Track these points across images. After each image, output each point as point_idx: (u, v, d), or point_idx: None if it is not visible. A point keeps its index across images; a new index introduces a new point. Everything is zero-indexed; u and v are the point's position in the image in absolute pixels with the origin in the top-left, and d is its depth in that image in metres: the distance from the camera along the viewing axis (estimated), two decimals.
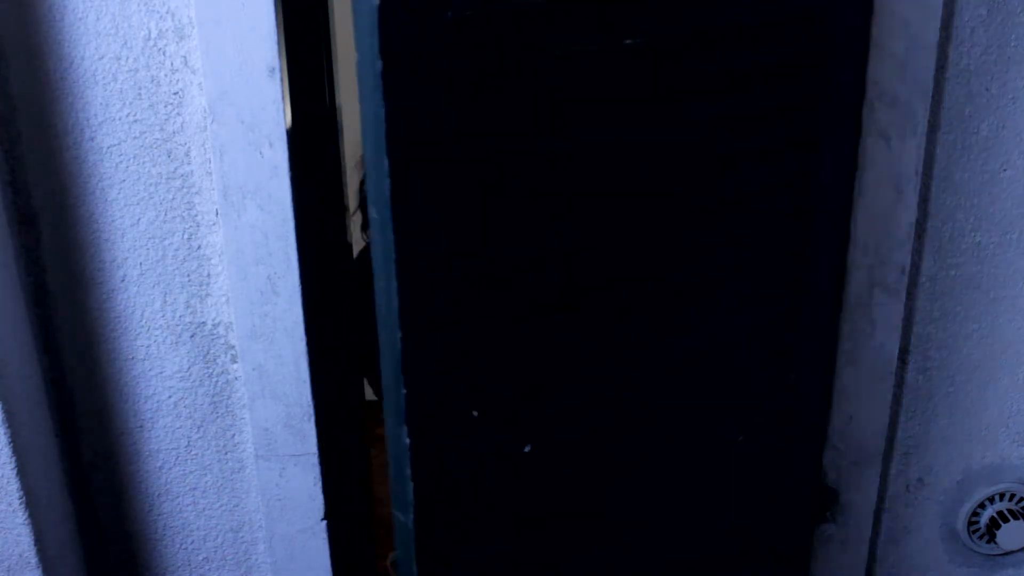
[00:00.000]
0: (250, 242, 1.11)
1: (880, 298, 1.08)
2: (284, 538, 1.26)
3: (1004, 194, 1.07)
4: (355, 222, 1.47)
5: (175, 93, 1.07)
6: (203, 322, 1.17)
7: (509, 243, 0.84)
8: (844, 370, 1.11)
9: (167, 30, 1.05)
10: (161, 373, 1.19)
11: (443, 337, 0.84)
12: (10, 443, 1.08)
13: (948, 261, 1.09)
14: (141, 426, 1.21)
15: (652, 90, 0.82)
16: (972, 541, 1.21)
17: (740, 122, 0.87)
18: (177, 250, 1.13)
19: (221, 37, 1.03)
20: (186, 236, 1.13)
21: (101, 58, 1.05)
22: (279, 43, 1.04)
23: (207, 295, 1.15)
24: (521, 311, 0.87)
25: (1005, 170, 1.07)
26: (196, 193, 1.11)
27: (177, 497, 1.26)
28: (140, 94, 1.07)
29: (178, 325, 1.17)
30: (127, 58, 1.05)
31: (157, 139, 1.09)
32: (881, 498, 1.20)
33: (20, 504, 1.11)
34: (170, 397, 1.20)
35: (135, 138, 1.08)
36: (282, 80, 1.06)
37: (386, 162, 0.75)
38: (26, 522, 1.12)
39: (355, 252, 1.49)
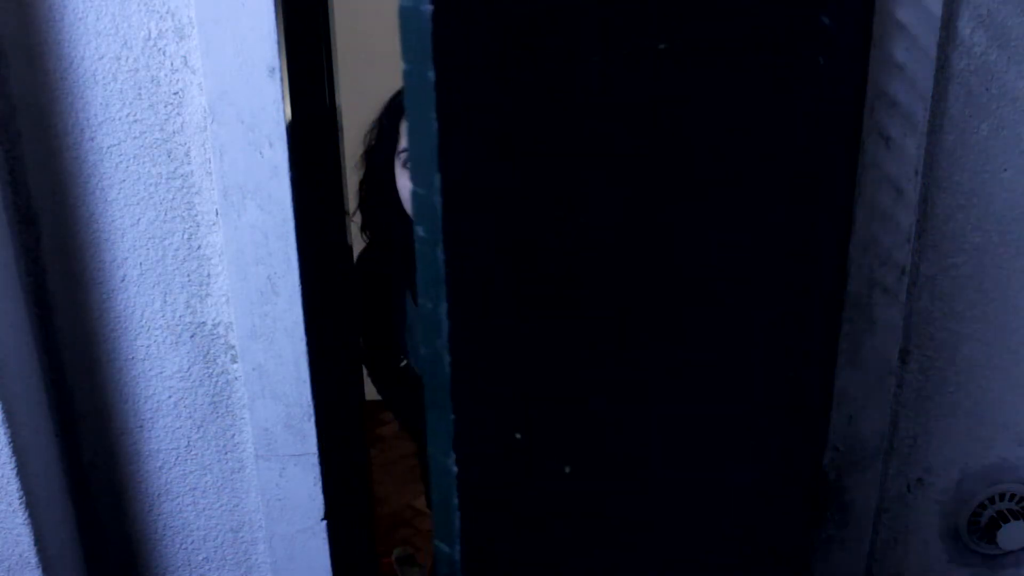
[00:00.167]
0: (250, 242, 1.11)
1: (880, 298, 1.08)
2: (284, 538, 1.26)
3: (1004, 194, 1.07)
4: (354, 222, 1.47)
5: (175, 93, 1.07)
6: (203, 322, 1.17)
7: (560, 261, 0.82)
8: (844, 370, 1.11)
9: (167, 30, 1.05)
10: (161, 373, 1.19)
11: (492, 360, 0.81)
12: (10, 443, 1.08)
13: (948, 261, 1.09)
14: (141, 426, 1.21)
15: (680, 90, 0.83)
16: (972, 541, 1.21)
17: (748, 122, 0.87)
18: (177, 250, 1.13)
19: (221, 37, 1.03)
20: (186, 236, 1.13)
21: (101, 58, 1.05)
22: (279, 43, 1.04)
23: (207, 295, 1.15)
24: (567, 330, 0.85)
25: (1005, 170, 1.07)
26: (196, 193, 1.11)
27: (177, 497, 1.26)
28: (140, 94, 1.07)
29: (178, 325, 1.17)
30: (127, 58, 1.05)
31: (157, 139, 1.09)
32: (881, 498, 1.20)
33: (20, 504, 1.11)
34: (170, 397, 1.20)
35: (135, 138, 1.08)
36: (282, 80, 1.06)
37: (438, 178, 0.71)
38: (26, 522, 1.12)
39: (355, 254, 1.49)
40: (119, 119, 1.08)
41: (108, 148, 1.09)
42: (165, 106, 1.08)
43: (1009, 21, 1.00)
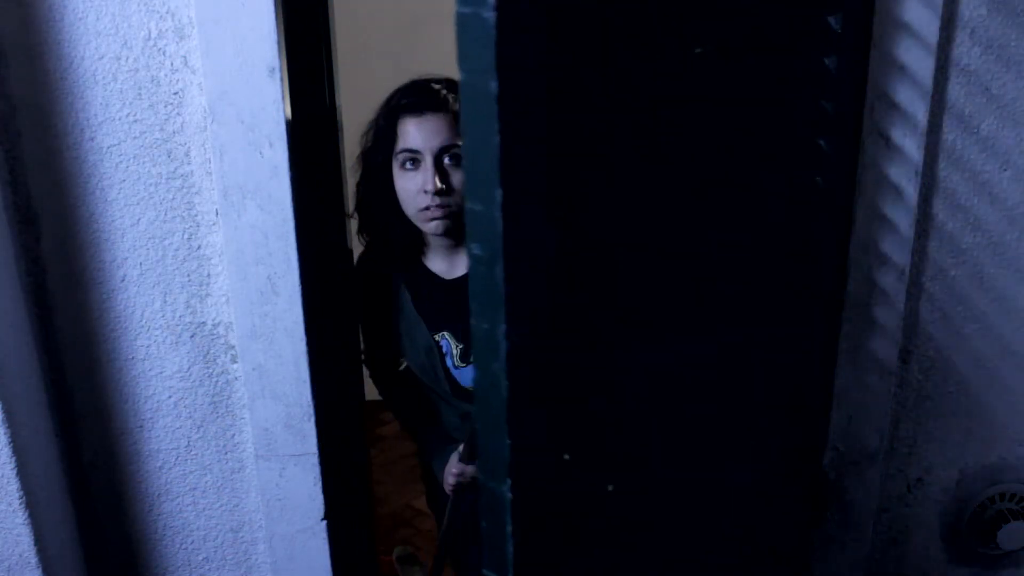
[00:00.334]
0: (250, 242, 1.11)
1: (880, 298, 1.08)
2: (284, 538, 1.26)
3: (1004, 194, 1.07)
4: (352, 223, 1.46)
5: (175, 93, 1.07)
6: (203, 322, 1.17)
7: (614, 275, 0.80)
8: (844, 370, 1.11)
9: (167, 30, 1.05)
10: (161, 373, 1.19)
11: (548, 382, 0.78)
12: (10, 443, 1.08)
13: (948, 261, 1.09)
14: (141, 426, 1.21)
15: (710, 91, 0.83)
16: (972, 541, 1.21)
17: (760, 122, 0.87)
18: (177, 250, 1.13)
19: (221, 37, 1.03)
20: (186, 236, 1.13)
21: (101, 58, 1.05)
22: (279, 43, 1.04)
23: (207, 295, 1.15)
24: (617, 347, 0.83)
25: (1005, 170, 1.07)
26: (196, 193, 1.11)
27: (177, 497, 1.26)
28: (140, 94, 1.07)
29: (178, 325, 1.17)
30: (127, 58, 1.05)
31: (157, 139, 1.09)
32: (881, 498, 1.20)
33: (20, 504, 1.11)
34: (170, 397, 1.20)
35: (135, 138, 1.08)
36: (282, 80, 1.06)
37: (499, 193, 0.68)
38: (26, 522, 1.12)
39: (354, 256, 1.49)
40: (119, 119, 1.08)
41: (108, 148, 1.09)
42: (165, 106, 1.08)
43: (1009, 21, 1.00)
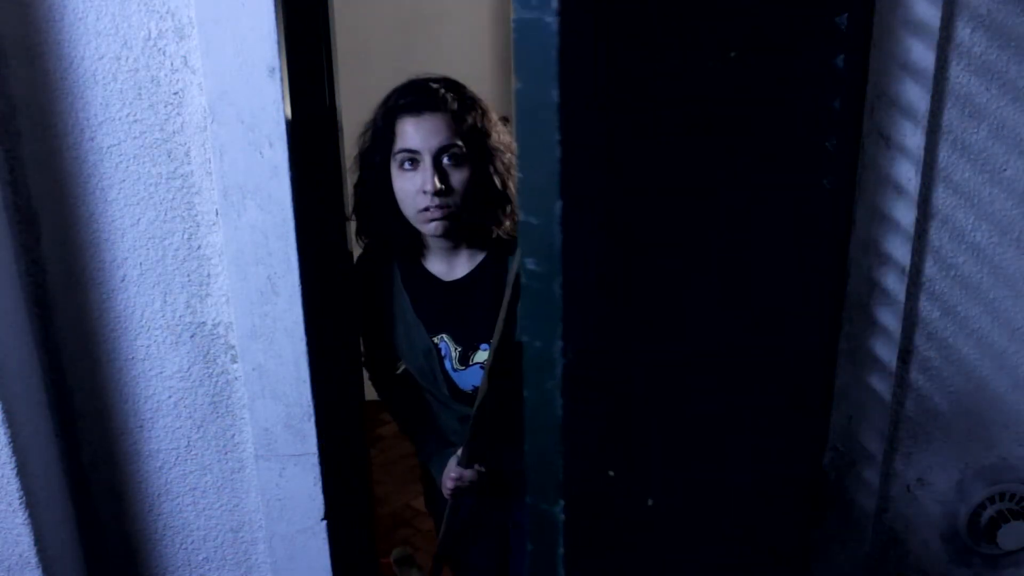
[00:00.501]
0: (250, 242, 1.11)
1: (880, 298, 1.08)
2: (284, 538, 1.26)
3: (1004, 194, 1.07)
4: (351, 224, 1.45)
5: (175, 93, 1.07)
6: (203, 322, 1.17)
7: (658, 287, 0.78)
8: (844, 370, 1.11)
9: (167, 30, 1.05)
10: (161, 373, 1.19)
11: (600, 399, 0.76)
12: (10, 443, 1.08)
13: (948, 261, 1.09)
14: (141, 426, 1.21)
15: (738, 93, 0.83)
16: (972, 541, 1.21)
17: (773, 122, 0.87)
18: (177, 250, 1.13)
19: (221, 37, 1.03)
20: (186, 236, 1.13)
21: (101, 58, 1.05)
22: (279, 43, 1.04)
23: (207, 295, 1.15)
24: (663, 360, 0.82)
25: (1005, 170, 1.07)
26: (196, 193, 1.11)
27: (177, 497, 1.26)
28: (140, 94, 1.07)
29: (178, 325, 1.17)
30: (127, 58, 1.05)
31: (157, 139, 1.09)
32: (881, 498, 1.20)
33: (20, 504, 1.11)
34: (170, 397, 1.20)
35: (135, 138, 1.08)
36: (282, 80, 1.06)
37: (558, 206, 0.65)
38: (26, 522, 1.12)
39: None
40: (119, 119, 1.08)
41: (108, 148, 1.09)
42: (165, 106, 1.08)
43: (1009, 21, 1.00)
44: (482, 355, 1.41)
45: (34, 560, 1.15)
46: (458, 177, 1.30)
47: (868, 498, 1.18)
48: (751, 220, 0.90)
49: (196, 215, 1.12)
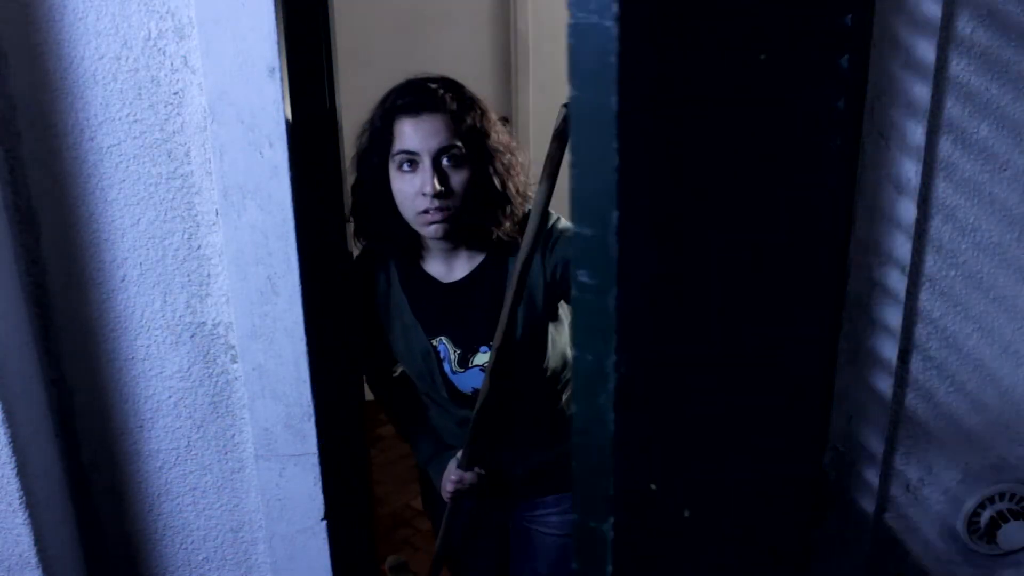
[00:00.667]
0: (250, 242, 1.11)
1: (880, 298, 1.08)
2: (284, 538, 1.26)
3: (1004, 194, 1.07)
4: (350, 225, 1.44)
5: (175, 93, 1.07)
6: (203, 322, 1.17)
7: (703, 295, 0.77)
8: (844, 370, 1.11)
9: (167, 30, 1.05)
10: (161, 373, 1.19)
11: (651, 416, 0.74)
12: (10, 443, 1.08)
13: (948, 261, 1.09)
14: (141, 426, 1.21)
15: (766, 93, 0.82)
16: (972, 541, 1.21)
17: (786, 121, 0.87)
18: (177, 250, 1.13)
19: (221, 37, 1.03)
20: (186, 236, 1.13)
21: (101, 58, 1.05)
22: (279, 43, 1.04)
23: (207, 295, 1.15)
24: (708, 375, 0.81)
25: (1005, 170, 1.07)
26: (196, 193, 1.11)
27: (177, 497, 1.26)
28: (140, 94, 1.07)
29: (178, 325, 1.17)
30: (127, 58, 1.06)
31: (157, 139, 1.09)
32: (881, 498, 1.20)
33: (20, 504, 1.11)
34: (170, 397, 1.20)
35: (135, 138, 1.09)
36: (282, 80, 1.06)
37: (615, 216, 0.63)
38: (26, 522, 1.12)
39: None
40: (119, 119, 1.08)
41: (108, 148, 1.09)
42: (165, 106, 1.08)
43: (1009, 21, 1.00)
44: (482, 357, 1.41)
45: (34, 560, 1.15)
46: (458, 178, 1.28)
47: (868, 498, 1.18)
48: (757, 220, 0.90)
49: (196, 215, 1.12)
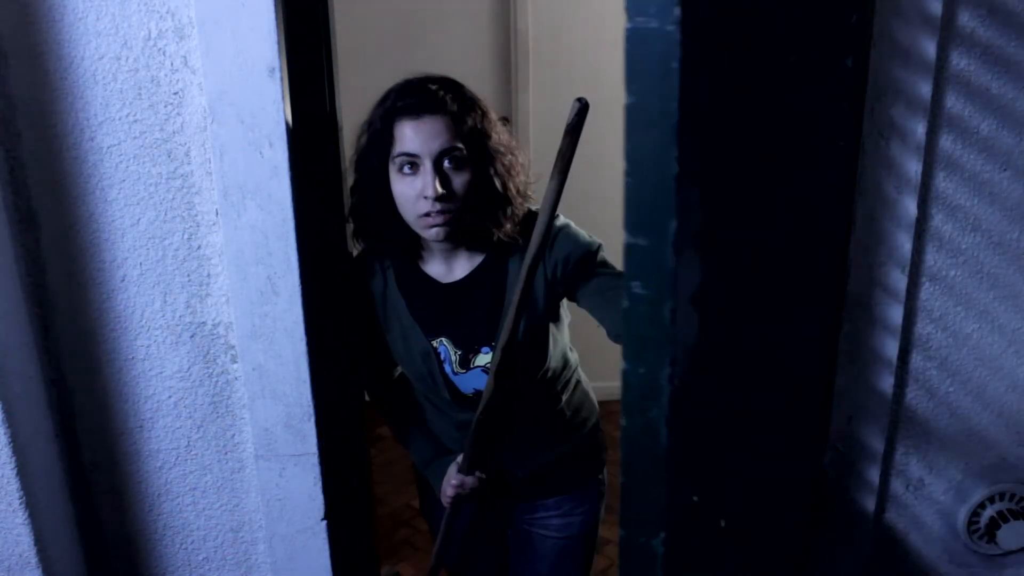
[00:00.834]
0: (250, 242, 1.11)
1: (880, 298, 1.08)
2: (284, 538, 1.26)
3: (1004, 194, 1.07)
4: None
5: (175, 93, 1.07)
6: (203, 322, 1.17)
7: (749, 301, 0.76)
8: (844, 370, 1.11)
9: (167, 30, 1.05)
10: (161, 373, 1.19)
11: (702, 426, 0.73)
12: (10, 443, 1.08)
13: (948, 261, 1.09)
14: (141, 426, 1.21)
15: (792, 94, 0.82)
16: (972, 541, 1.21)
17: (797, 121, 0.87)
18: (177, 250, 1.13)
19: (221, 37, 1.03)
20: (186, 236, 1.13)
21: (101, 58, 1.05)
22: (279, 43, 1.04)
23: (207, 295, 1.15)
24: (758, 385, 0.80)
25: (1005, 170, 1.07)
26: (196, 193, 1.11)
27: (177, 497, 1.26)
28: (140, 94, 1.07)
29: (178, 325, 1.17)
30: (127, 58, 1.06)
31: (157, 139, 1.09)
32: (881, 498, 1.20)
33: (20, 504, 1.11)
34: (170, 397, 1.20)
35: (135, 138, 1.09)
36: (282, 80, 1.06)
37: (673, 225, 0.61)
38: (26, 522, 1.12)
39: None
40: (119, 119, 1.08)
41: (108, 148, 1.09)
42: (165, 106, 1.08)
43: (1009, 20, 1.00)
44: (483, 358, 1.40)
45: (34, 560, 1.15)
46: (459, 181, 1.27)
47: (868, 498, 1.18)
48: (760, 220, 0.90)
49: (196, 215, 1.12)
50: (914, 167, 1.03)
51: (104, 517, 1.26)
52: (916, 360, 1.14)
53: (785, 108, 0.74)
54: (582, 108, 1.16)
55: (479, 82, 1.44)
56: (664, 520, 0.71)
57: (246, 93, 1.05)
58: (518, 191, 1.36)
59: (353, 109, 1.39)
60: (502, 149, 1.34)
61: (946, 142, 1.04)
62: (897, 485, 1.20)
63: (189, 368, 1.19)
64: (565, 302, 1.45)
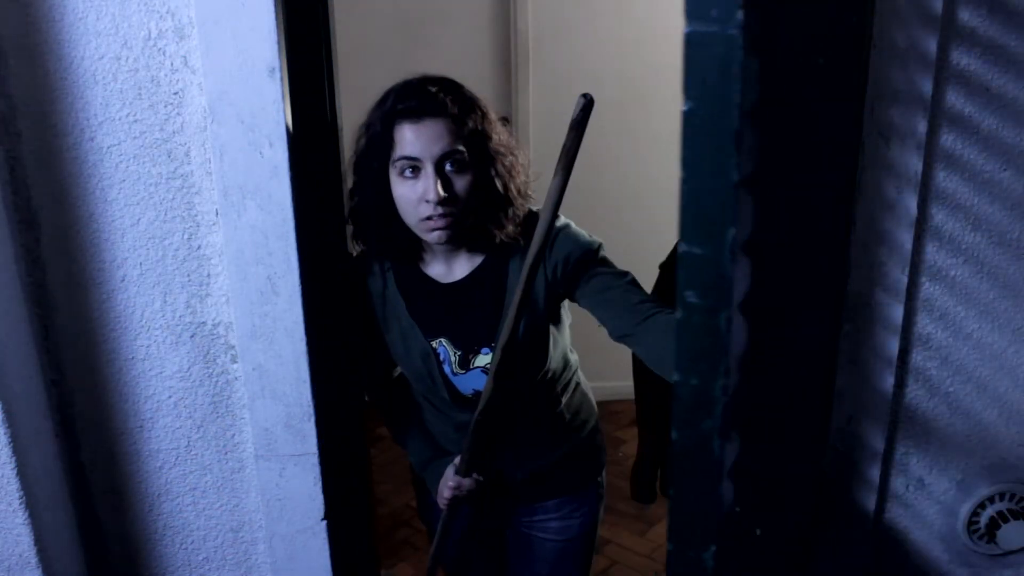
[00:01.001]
0: (250, 242, 1.11)
1: (880, 298, 1.08)
2: (284, 538, 1.26)
3: (1004, 194, 1.07)
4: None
5: (175, 93, 1.07)
6: (203, 322, 1.17)
7: (790, 307, 0.75)
8: (844, 370, 1.11)
9: (167, 30, 1.05)
10: (161, 373, 1.19)
11: (752, 436, 0.72)
12: (10, 443, 1.08)
13: (948, 261, 1.09)
14: (141, 426, 1.21)
15: (814, 94, 0.81)
16: (972, 541, 1.21)
17: (809, 124, 0.87)
18: (177, 250, 1.13)
19: (221, 37, 1.03)
20: (186, 236, 1.13)
21: (101, 58, 1.05)
22: (279, 43, 1.04)
23: (207, 295, 1.15)
24: (794, 390, 0.80)
25: (1005, 170, 1.07)
26: (196, 193, 1.11)
27: (177, 497, 1.26)
28: (140, 94, 1.07)
29: (178, 325, 1.17)
30: (127, 58, 1.06)
31: (157, 139, 1.09)
32: (881, 498, 1.20)
33: (20, 504, 1.11)
34: (170, 397, 1.20)
35: (135, 138, 1.09)
36: (282, 80, 1.06)
37: (732, 233, 0.60)
38: (26, 522, 1.12)
39: None
40: (119, 119, 1.08)
41: (108, 148, 1.09)
42: (165, 106, 1.08)
43: (1009, 20, 1.00)
44: (483, 359, 1.40)
45: (34, 560, 1.15)
46: (461, 183, 1.27)
47: (868, 497, 1.18)
48: (763, 220, 0.89)
49: (196, 215, 1.12)
50: (915, 164, 1.03)
51: (104, 517, 1.26)
52: (917, 359, 1.14)
53: (811, 109, 0.73)
54: (587, 103, 1.16)
55: (479, 82, 1.44)
56: (716, 533, 0.70)
57: (246, 93, 1.05)
58: (519, 191, 1.35)
59: (353, 109, 1.38)
60: (503, 150, 1.33)
61: (946, 140, 1.04)
62: (897, 484, 1.20)
63: (189, 368, 1.19)
64: (566, 303, 1.45)
